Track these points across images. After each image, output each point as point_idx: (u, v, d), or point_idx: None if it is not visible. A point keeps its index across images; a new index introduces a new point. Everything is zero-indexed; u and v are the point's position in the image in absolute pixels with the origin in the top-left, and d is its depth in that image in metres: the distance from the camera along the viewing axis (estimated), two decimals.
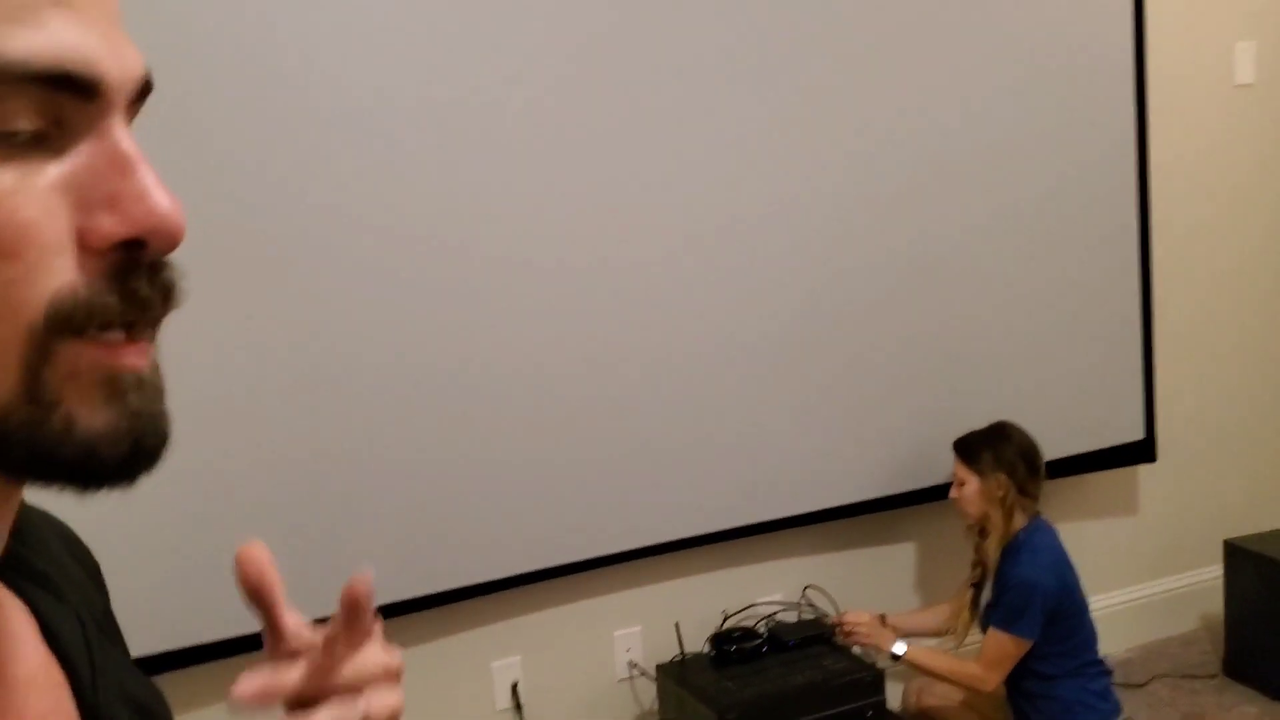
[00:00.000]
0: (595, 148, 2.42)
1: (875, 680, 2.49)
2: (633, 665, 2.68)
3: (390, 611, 2.34)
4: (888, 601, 2.94)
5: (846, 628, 2.65)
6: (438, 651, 2.50)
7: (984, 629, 2.55)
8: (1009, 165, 2.85)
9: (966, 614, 2.66)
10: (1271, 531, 3.09)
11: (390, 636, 0.59)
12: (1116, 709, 2.55)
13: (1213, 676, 3.07)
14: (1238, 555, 3.02)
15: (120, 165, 0.42)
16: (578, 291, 2.45)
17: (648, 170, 2.48)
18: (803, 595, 2.84)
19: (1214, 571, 3.21)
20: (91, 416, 0.42)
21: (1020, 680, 2.53)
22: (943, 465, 2.74)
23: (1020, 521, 2.53)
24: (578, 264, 2.44)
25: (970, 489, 2.55)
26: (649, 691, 2.69)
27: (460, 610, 2.48)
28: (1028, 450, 2.57)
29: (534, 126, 2.37)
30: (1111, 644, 3.22)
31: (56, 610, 0.53)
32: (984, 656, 2.50)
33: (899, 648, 2.54)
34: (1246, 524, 3.26)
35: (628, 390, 2.53)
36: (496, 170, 2.35)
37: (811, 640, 2.64)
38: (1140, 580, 3.33)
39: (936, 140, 2.76)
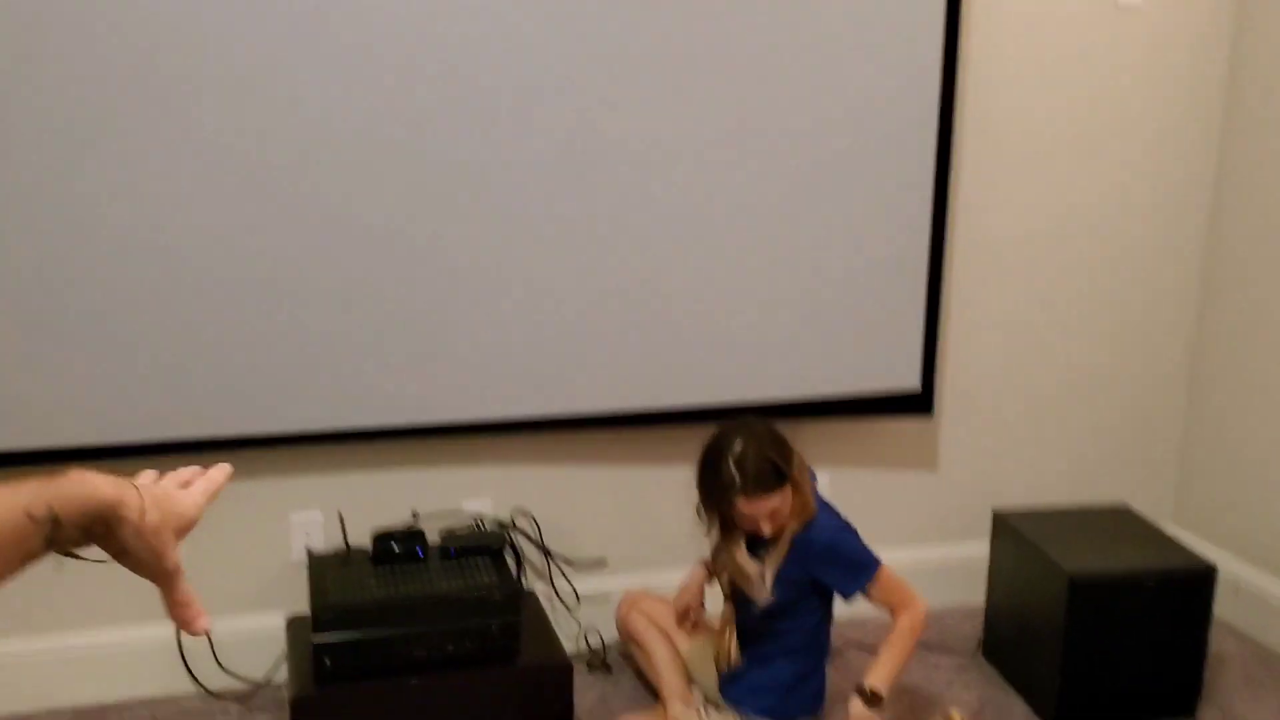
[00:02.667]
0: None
1: (510, 599, 2.38)
2: (310, 552, 2.62)
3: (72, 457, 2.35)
4: (613, 526, 2.82)
5: None
6: None
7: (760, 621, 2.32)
8: (799, 89, 2.58)
9: (730, 632, 2.37)
10: (1044, 509, 2.80)
11: None
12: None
13: (966, 654, 2.83)
14: (1003, 529, 2.75)
15: None
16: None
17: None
18: (511, 517, 2.72)
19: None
20: None
21: (773, 640, 2.34)
22: (697, 386, 2.61)
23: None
24: None
25: (786, 504, 2.22)
26: None
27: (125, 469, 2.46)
28: (767, 421, 2.30)
29: None
30: None
31: None
32: (896, 602, 2.26)
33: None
34: (1035, 495, 3.00)
35: (341, 259, 2.44)
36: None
37: (477, 551, 2.53)
38: (943, 541, 3.09)
39: (720, 70, 2.52)
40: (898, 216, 2.70)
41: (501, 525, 2.69)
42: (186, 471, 0.95)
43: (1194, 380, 3.14)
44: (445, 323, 2.52)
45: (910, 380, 2.79)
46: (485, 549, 2.54)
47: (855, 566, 2.28)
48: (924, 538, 3.08)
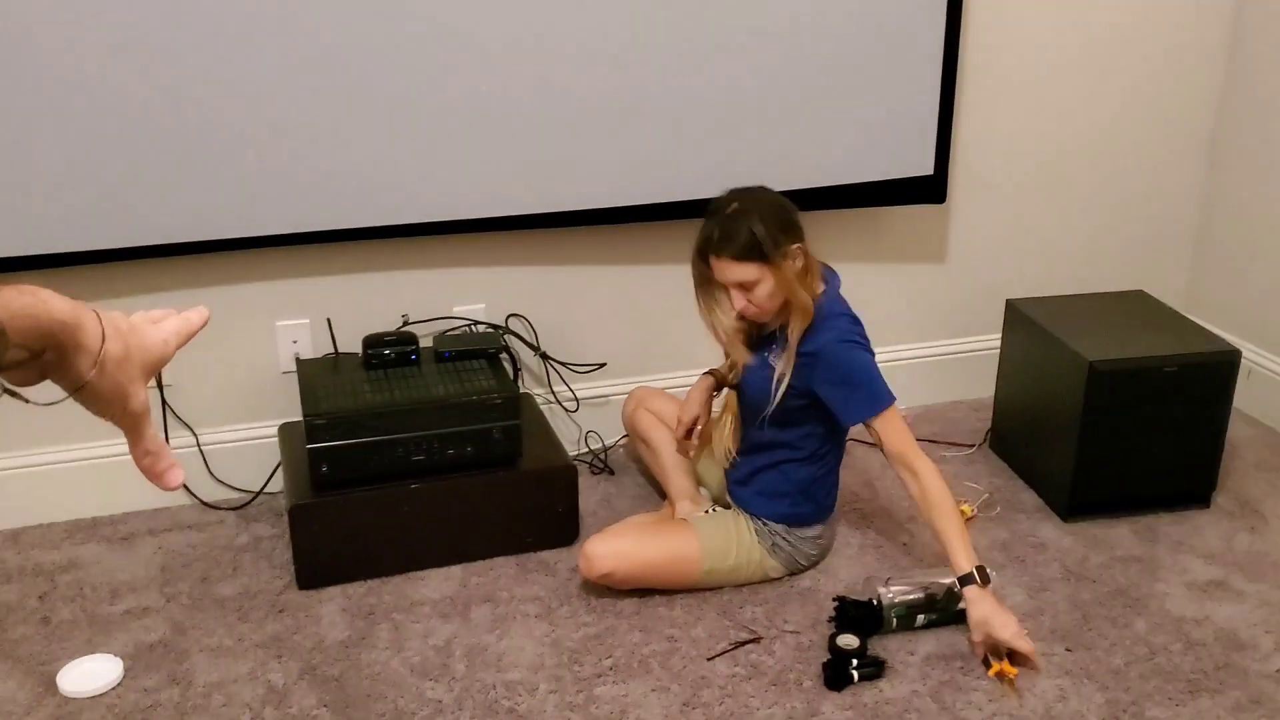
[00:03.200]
0: None
1: (510, 402, 2.29)
2: (299, 358, 2.52)
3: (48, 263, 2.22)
4: (613, 329, 2.71)
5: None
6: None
7: (755, 425, 2.18)
8: None
9: (733, 422, 2.28)
10: (1058, 297, 2.70)
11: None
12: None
13: (973, 446, 2.79)
14: (1016, 319, 2.66)
15: None
16: None
17: None
18: (505, 322, 2.61)
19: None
20: None
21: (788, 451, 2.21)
22: (698, 179, 2.43)
23: (818, 282, 2.12)
24: None
25: (765, 287, 2.02)
26: None
27: (103, 273, 2.33)
28: (783, 200, 2.10)
29: None
30: (906, 399, 2.94)
31: None
32: (903, 451, 2.06)
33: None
34: (1045, 288, 2.91)
35: (328, 52, 2.25)
36: None
37: (472, 355, 2.43)
38: (951, 335, 3.01)
39: None
40: (914, 24, 2.50)
41: (496, 329, 2.59)
42: (159, 312, 0.83)
43: (1212, 165, 3.00)
44: (436, 115, 2.35)
45: (923, 166, 2.64)
46: (481, 353, 2.44)
47: (860, 393, 2.08)
48: (932, 332, 2.99)
